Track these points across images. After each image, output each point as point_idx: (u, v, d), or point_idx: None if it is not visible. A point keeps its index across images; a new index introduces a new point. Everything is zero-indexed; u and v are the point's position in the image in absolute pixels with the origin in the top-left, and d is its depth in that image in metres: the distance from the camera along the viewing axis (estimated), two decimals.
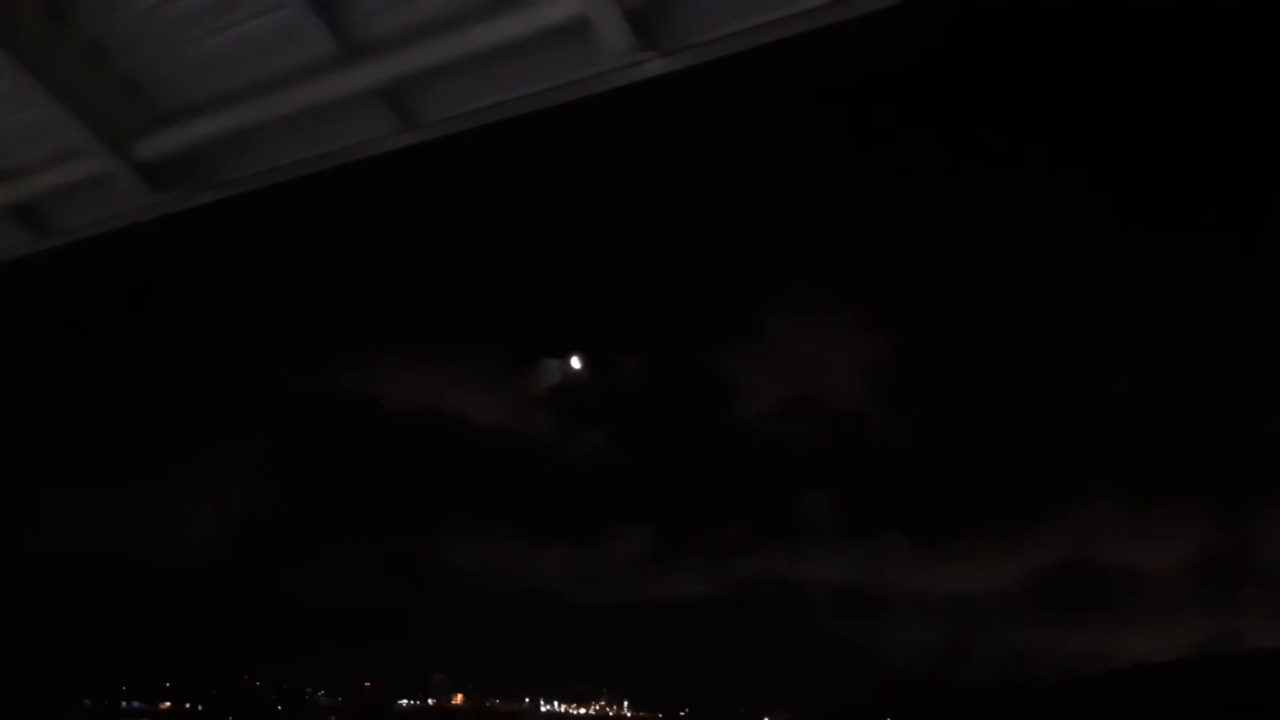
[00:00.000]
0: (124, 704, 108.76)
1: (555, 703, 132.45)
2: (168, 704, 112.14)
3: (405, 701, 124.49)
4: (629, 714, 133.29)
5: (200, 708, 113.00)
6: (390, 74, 4.42)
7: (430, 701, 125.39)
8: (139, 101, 4.83)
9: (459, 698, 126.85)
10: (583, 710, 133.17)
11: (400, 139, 4.68)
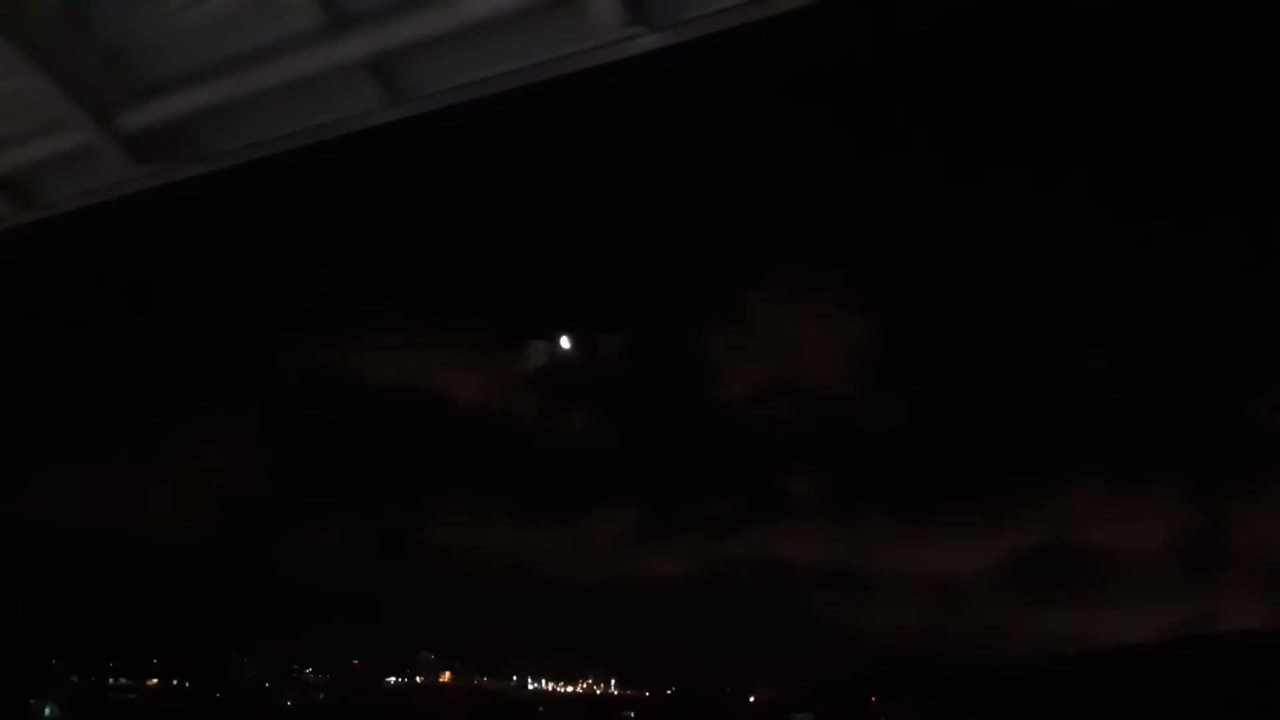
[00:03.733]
0: (111, 681, 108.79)
1: (542, 680, 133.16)
2: (155, 681, 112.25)
3: (393, 679, 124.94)
4: (615, 692, 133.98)
5: (188, 685, 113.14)
6: (378, 46, 4.37)
7: (418, 679, 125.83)
8: (124, 73, 4.78)
9: (446, 675, 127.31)
10: (569, 688, 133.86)
11: (388, 113, 4.65)
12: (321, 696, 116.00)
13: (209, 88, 4.65)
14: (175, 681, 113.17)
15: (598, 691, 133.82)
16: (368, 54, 4.41)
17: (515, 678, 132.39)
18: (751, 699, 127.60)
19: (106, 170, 5.07)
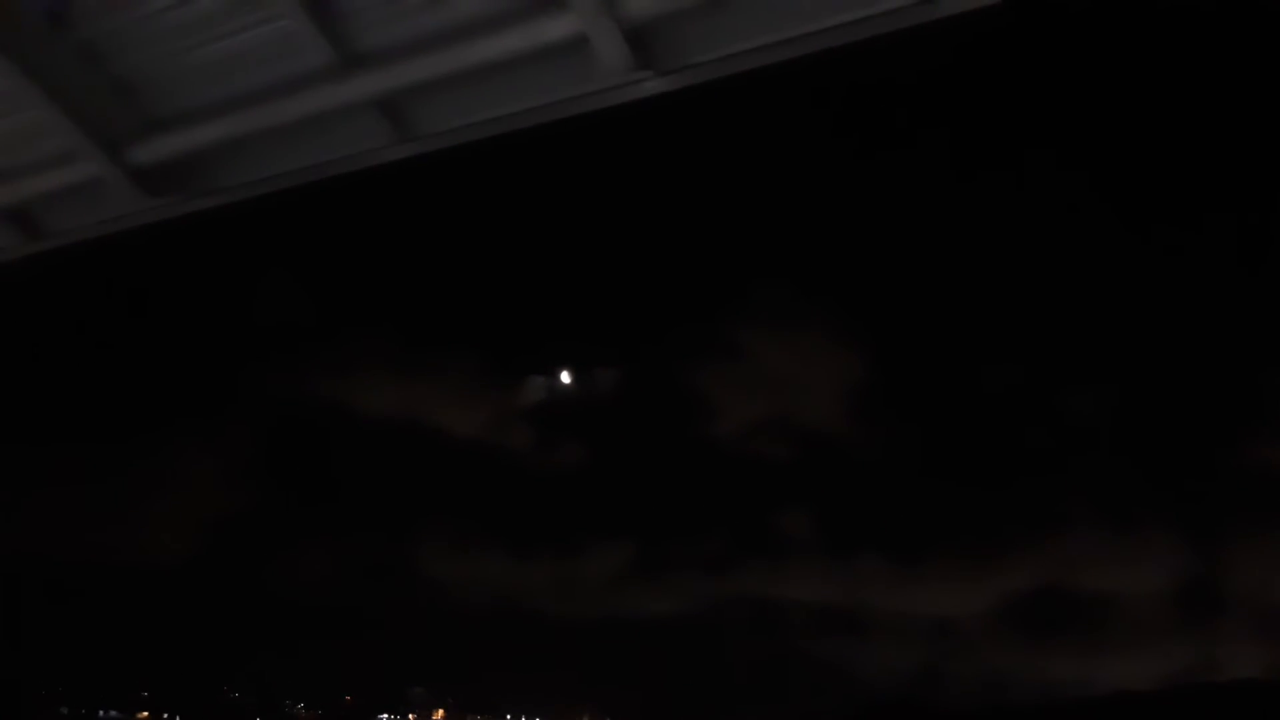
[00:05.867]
0: (100, 713, 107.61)
1: (536, 719, 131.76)
2: (145, 714, 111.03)
3: (385, 716, 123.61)
4: None
5: (178, 718, 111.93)
6: (388, 86, 4.43)
7: (410, 716, 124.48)
8: (135, 106, 4.84)
9: (439, 713, 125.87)
10: None
11: (396, 151, 4.69)
12: None
13: (219, 123, 4.70)
14: (165, 715, 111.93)
15: None
16: (378, 92, 4.46)
17: (509, 716, 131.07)
18: None
19: (115, 202, 5.11)
